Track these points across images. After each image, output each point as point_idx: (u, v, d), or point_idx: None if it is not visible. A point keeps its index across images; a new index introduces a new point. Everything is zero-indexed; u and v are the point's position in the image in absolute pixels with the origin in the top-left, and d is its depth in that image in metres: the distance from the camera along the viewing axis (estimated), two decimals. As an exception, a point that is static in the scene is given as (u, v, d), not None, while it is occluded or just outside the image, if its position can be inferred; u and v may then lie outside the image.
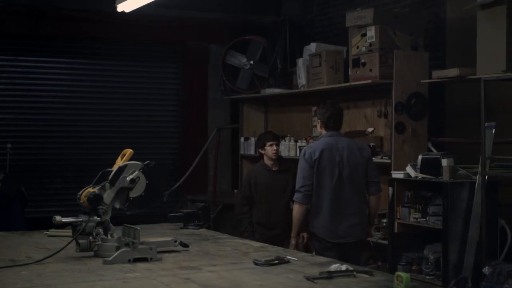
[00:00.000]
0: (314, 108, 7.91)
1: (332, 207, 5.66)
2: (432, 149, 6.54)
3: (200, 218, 5.31)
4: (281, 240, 6.02)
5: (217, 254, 4.09)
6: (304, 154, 5.74)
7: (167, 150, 9.91)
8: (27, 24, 8.78)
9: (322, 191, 5.67)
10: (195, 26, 9.50)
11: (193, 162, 8.93)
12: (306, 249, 6.30)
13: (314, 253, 5.48)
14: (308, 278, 3.36)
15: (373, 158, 6.65)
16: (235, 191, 9.11)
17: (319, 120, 5.86)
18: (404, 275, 3.13)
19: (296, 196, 5.76)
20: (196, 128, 9.77)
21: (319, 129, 5.93)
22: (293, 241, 5.91)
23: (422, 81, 6.45)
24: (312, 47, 7.69)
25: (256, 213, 6.70)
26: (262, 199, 6.68)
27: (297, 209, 5.79)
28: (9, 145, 8.31)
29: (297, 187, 5.75)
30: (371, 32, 6.58)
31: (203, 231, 5.12)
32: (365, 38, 6.66)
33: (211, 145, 9.30)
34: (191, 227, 5.18)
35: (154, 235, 4.41)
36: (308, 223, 5.81)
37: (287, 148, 8.07)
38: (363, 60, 6.70)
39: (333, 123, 5.79)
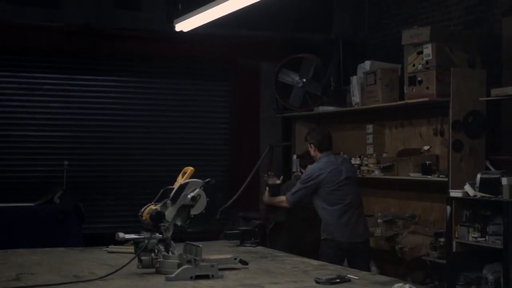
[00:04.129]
0: (368, 126, 7.87)
1: (348, 212, 6.43)
2: (490, 167, 6.44)
3: (256, 236, 5.30)
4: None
5: (277, 272, 4.07)
6: (312, 175, 6.50)
7: (219, 167, 9.95)
8: (82, 43, 8.92)
9: (336, 200, 6.43)
10: (246, 44, 9.55)
11: (244, 179, 8.92)
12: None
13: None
14: (372, 298, 3.33)
15: (429, 176, 6.67)
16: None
17: (312, 145, 6.68)
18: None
19: (289, 198, 6.64)
20: (247, 145, 9.79)
21: (313, 153, 6.72)
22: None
23: (480, 99, 6.37)
24: (367, 65, 7.67)
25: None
26: None
27: (283, 204, 6.88)
28: (66, 162, 8.46)
29: (293, 191, 6.63)
30: (428, 49, 6.53)
31: (260, 248, 5.10)
32: (422, 55, 6.62)
33: (263, 163, 9.30)
34: (248, 245, 5.18)
35: (211, 252, 4.40)
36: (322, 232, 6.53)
37: (341, 166, 8.02)
38: (419, 78, 6.65)
39: (325, 145, 6.63)
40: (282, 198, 6.88)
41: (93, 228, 8.79)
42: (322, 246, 6.49)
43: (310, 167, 6.75)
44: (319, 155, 6.64)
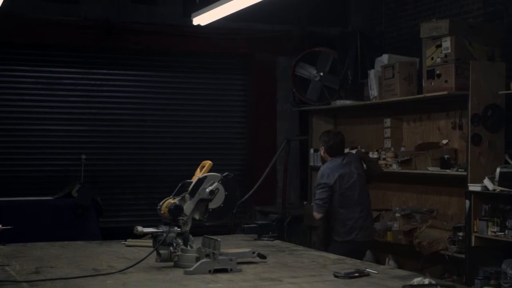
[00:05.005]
0: (385, 120, 7.84)
1: (363, 211, 6.46)
2: (509, 161, 6.39)
3: (274, 230, 5.30)
4: None
5: (295, 266, 4.06)
6: (322, 176, 6.45)
7: (236, 161, 9.97)
8: (100, 37, 8.98)
9: (348, 201, 6.40)
10: (263, 38, 9.56)
11: (261, 173, 8.92)
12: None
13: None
14: (391, 292, 3.31)
15: (448, 170, 6.62)
16: (305, 202, 9.08)
17: (322, 147, 6.68)
18: (492, 290, 3.06)
19: (314, 209, 6.50)
20: (264, 139, 9.80)
21: (323, 154, 6.76)
22: None
23: (499, 92, 6.32)
24: (384, 58, 7.63)
25: None
26: None
27: (316, 218, 6.60)
28: (83, 156, 8.50)
29: (315, 201, 6.55)
30: (447, 43, 6.48)
31: (277, 242, 5.10)
32: (440, 49, 6.57)
33: (280, 157, 9.30)
34: (265, 239, 5.18)
35: (229, 246, 4.41)
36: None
37: (358, 160, 8.00)
38: (438, 71, 6.61)
39: (336, 150, 6.58)
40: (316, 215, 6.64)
41: (111, 222, 8.84)
42: (335, 247, 6.28)
43: (320, 169, 6.69)
44: (329, 158, 6.63)
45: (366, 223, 6.49)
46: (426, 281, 3.49)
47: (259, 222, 5.59)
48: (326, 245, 6.53)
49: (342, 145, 6.71)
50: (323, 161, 6.94)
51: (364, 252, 6.65)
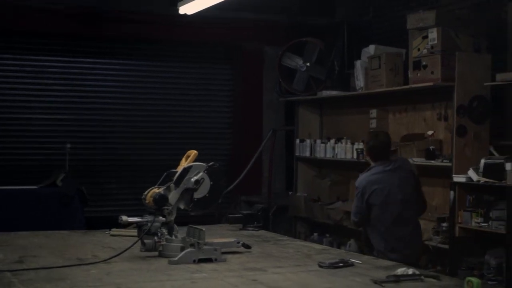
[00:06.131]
0: (371, 111, 7.86)
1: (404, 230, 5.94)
2: (494, 152, 6.41)
3: (259, 220, 5.31)
4: None
5: (280, 256, 4.08)
6: (358, 186, 5.97)
7: (222, 151, 9.96)
8: (86, 25, 8.91)
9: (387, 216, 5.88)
10: (250, 27, 9.53)
11: (247, 163, 8.93)
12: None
13: None
14: (375, 282, 3.32)
15: (433, 161, 6.64)
16: (290, 193, 9.09)
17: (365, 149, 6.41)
18: (475, 280, 3.08)
19: (351, 218, 6.19)
20: (250, 129, 9.80)
21: (368, 158, 6.33)
22: None
23: (485, 83, 6.33)
24: (371, 49, 7.63)
25: None
26: None
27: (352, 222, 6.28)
28: (68, 145, 8.45)
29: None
30: (433, 34, 6.48)
31: (262, 232, 5.12)
32: (427, 40, 6.57)
33: (266, 147, 9.30)
34: (250, 229, 5.18)
35: (214, 236, 4.41)
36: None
37: (344, 151, 8.02)
38: (424, 63, 6.61)
39: (377, 155, 6.02)
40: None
41: (96, 211, 8.82)
42: None
43: (358, 178, 6.10)
44: (372, 163, 6.08)
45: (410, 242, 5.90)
46: (410, 271, 3.51)
47: (244, 212, 5.59)
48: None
49: (386, 149, 6.06)
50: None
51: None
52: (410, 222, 5.96)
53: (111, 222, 4.56)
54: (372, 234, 5.95)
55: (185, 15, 6.73)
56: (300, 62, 8.62)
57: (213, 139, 9.91)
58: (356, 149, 7.75)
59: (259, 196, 9.43)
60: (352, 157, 7.83)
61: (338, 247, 7.71)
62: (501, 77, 5.99)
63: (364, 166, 7.83)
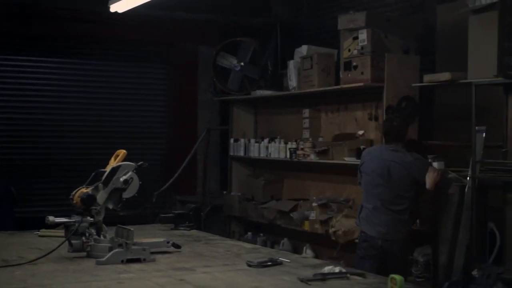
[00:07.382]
0: (304, 110, 7.93)
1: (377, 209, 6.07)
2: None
3: (191, 219, 5.31)
4: None
5: (209, 256, 4.09)
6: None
7: (156, 150, 9.90)
8: (17, 23, 8.74)
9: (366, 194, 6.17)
10: (185, 27, 9.50)
11: (182, 163, 8.90)
12: None
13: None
14: (302, 280, 3.36)
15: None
16: (224, 192, 9.11)
17: None
18: (398, 277, 3.14)
19: None
20: (185, 129, 9.78)
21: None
22: None
23: (413, 84, 6.46)
24: (304, 49, 7.70)
25: None
26: None
27: None
28: (-4, 145, 8.29)
29: None
30: (363, 35, 6.59)
31: (194, 232, 5.12)
32: (357, 41, 6.68)
33: (200, 146, 9.30)
34: (182, 228, 5.18)
35: (145, 236, 4.39)
36: None
37: (277, 150, 8.07)
38: (354, 63, 6.72)
39: (385, 137, 6.16)
40: None
41: (27, 212, 8.65)
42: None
43: None
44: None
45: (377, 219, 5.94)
46: (337, 269, 3.56)
47: (176, 211, 5.59)
48: None
49: (391, 135, 6.01)
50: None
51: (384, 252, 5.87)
52: (384, 212, 5.88)
53: (41, 223, 4.48)
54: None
55: (117, 13, 6.66)
56: (235, 61, 8.65)
57: (147, 139, 9.84)
58: (289, 148, 7.80)
59: (194, 195, 9.41)
60: (286, 156, 7.88)
61: (272, 246, 7.78)
62: (428, 78, 6.13)
63: (297, 165, 7.97)
